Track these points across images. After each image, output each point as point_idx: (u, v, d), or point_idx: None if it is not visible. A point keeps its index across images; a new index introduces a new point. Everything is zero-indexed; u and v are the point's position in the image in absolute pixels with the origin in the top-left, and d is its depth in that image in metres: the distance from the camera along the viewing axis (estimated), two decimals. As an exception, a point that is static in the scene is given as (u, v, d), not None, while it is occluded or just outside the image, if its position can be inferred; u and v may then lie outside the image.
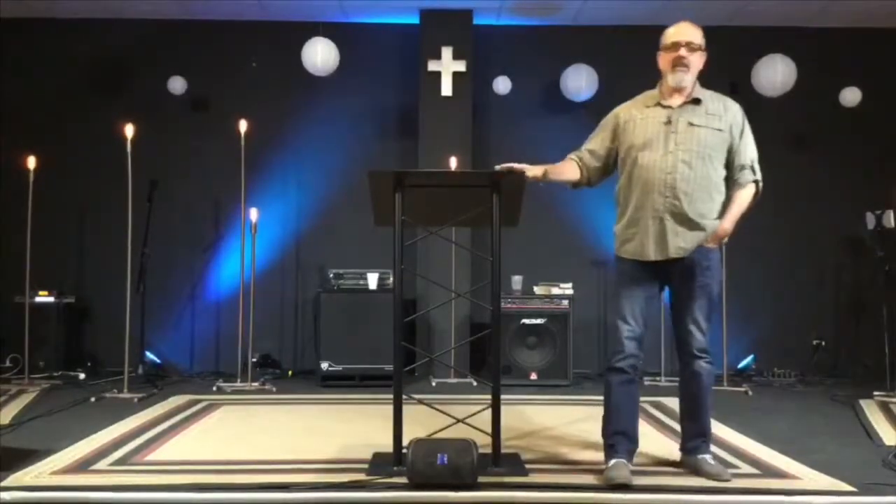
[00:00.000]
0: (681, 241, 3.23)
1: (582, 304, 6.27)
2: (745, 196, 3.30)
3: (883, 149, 6.61)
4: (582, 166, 3.46)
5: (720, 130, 3.27)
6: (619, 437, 3.28)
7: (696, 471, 3.31)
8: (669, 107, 3.30)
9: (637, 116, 3.34)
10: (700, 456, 3.33)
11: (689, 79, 3.27)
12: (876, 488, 3.14)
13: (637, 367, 3.32)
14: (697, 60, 3.28)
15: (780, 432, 4.26)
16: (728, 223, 3.27)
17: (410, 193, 3.36)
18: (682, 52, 3.24)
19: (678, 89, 3.28)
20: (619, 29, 6.65)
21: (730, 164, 3.32)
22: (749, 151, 3.32)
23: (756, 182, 3.32)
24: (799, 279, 6.67)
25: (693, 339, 3.29)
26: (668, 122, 3.27)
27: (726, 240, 3.35)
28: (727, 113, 3.30)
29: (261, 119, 6.16)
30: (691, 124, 3.25)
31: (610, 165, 3.47)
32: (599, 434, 3.35)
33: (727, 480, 3.21)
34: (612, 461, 3.23)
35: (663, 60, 3.31)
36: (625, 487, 3.08)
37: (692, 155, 3.22)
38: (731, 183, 3.33)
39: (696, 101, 3.29)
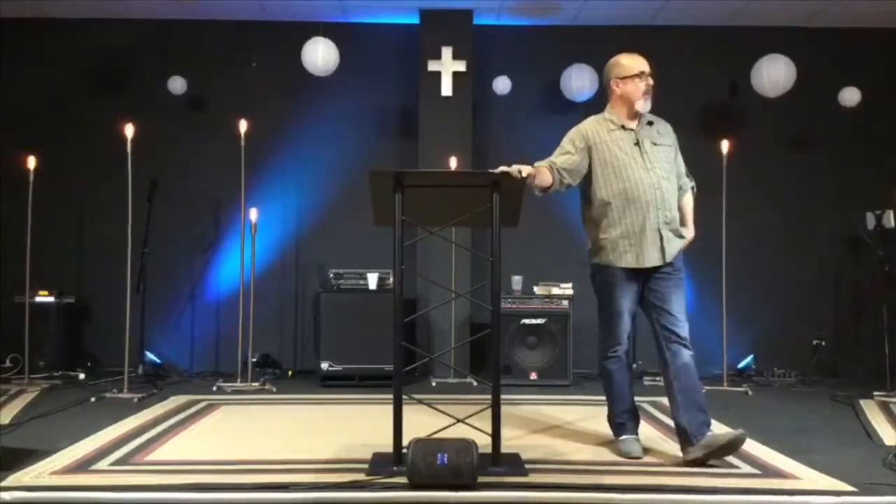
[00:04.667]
0: (672, 249, 3.54)
1: (582, 304, 6.23)
2: (692, 201, 3.74)
3: (883, 149, 6.61)
4: (555, 175, 3.56)
5: (670, 146, 3.64)
6: (626, 415, 3.65)
7: (714, 445, 3.35)
8: (632, 130, 3.56)
9: (607, 139, 3.56)
10: (709, 433, 3.41)
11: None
12: (876, 488, 3.14)
13: (628, 353, 3.66)
14: None
15: (780, 432, 4.26)
16: (694, 230, 3.70)
17: (410, 193, 3.36)
18: (650, 80, 3.55)
19: (640, 114, 3.56)
20: (619, 29, 6.66)
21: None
22: (682, 161, 3.71)
23: (693, 186, 3.76)
24: (799, 279, 6.65)
25: (682, 327, 3.52)
26: (637, 144, 3.55)
27: None
28: (668, 130, 3.66)
29: (261, 119, 6.16)
30: (654, 144, 3.59)
31: (575, 182, 3.61)
32: (599, 434, 3.37)
33: (744, 437, 3.40)
34: (624, 437, 3.63)
35: (632, 88, 3.54)
36: (637, 459, 3.51)
37: (664, 171, 3.55)
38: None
39: (650, 123, 3.59)
